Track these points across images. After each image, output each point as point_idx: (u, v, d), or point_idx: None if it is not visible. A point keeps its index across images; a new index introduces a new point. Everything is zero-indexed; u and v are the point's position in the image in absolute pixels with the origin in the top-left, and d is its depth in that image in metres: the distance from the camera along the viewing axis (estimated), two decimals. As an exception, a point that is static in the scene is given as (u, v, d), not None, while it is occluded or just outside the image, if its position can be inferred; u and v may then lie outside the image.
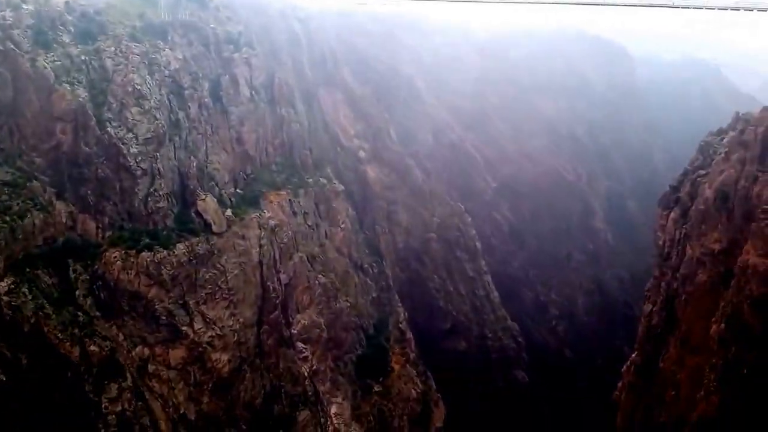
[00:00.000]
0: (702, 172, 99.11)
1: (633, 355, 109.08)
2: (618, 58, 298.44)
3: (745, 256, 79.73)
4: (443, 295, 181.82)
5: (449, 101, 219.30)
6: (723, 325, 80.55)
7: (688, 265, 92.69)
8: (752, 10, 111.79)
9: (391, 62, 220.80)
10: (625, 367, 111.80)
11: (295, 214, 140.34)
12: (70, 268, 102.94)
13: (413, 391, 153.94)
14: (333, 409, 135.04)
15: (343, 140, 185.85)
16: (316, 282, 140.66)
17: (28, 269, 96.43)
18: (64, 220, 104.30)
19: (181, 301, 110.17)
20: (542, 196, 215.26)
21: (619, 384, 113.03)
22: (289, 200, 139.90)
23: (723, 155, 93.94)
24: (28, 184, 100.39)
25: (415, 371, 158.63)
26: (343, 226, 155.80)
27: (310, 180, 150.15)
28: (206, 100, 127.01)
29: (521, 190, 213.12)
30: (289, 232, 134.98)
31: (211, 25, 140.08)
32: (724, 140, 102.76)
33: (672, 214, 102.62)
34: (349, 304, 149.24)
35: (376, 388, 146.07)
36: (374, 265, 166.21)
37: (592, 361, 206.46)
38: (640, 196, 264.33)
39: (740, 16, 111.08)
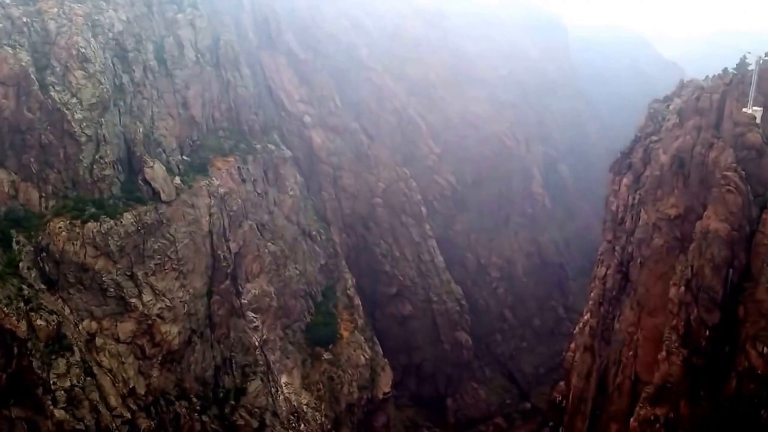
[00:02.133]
0: (654, 138, 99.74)
1: (586, 317, 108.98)
2: (551, 26, 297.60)
3: (705, 221, 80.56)
4: (389, 260, 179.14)
5: (392, 68, 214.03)
6: (683, 288, 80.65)
7: (644, 230, 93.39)
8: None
9: (332, 28, 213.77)
10: (577, 329, 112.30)
11: (244, 181, 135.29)
12: (13, 240, 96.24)
13: (362, 357, 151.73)
14: (283, 379, 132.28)
15: (288, 105, 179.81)
16: (266, 250, 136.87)
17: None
18: (6, 190, 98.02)
19: (129, 273, 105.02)
20: (484, 161, 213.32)
21: (571, 345, 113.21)
22: (238, 167, 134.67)
23: (677, 122, 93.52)
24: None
25: (363, 337, 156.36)
26: (291, 193, 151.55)
27: (258, 146, 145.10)
28: (151, 63, 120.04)
29: (464, 155, 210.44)
30: (239, 200, 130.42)
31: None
32: (671, 107, 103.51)
33: (624, 180, 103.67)
34: (298, 272, 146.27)
35: (325, 356, 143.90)
36: (322, 231, 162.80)
37: (531, 322, 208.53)
38: (572, 161, 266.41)
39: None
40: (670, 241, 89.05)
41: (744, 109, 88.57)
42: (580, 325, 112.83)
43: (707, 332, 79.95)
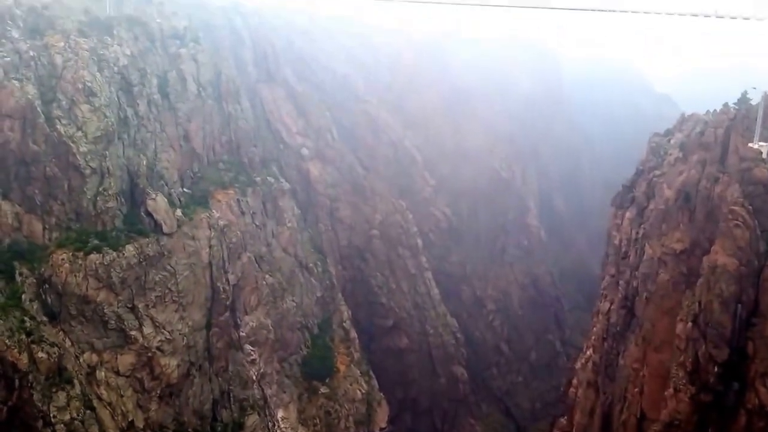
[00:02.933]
0: (657, 172, 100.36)
1: (588, 352, 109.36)
2: (545, 60, 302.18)
3: (713, 256, 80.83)
4: (385, 292, 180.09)
5: (389, 101, 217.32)
6: (690, 323, 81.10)
7: (649, 265, 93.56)
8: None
9: (329, 61, 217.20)
10: (579, 364, 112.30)
11: (243, 213, 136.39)
12: (17, 272, 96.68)
13: (358, 391, 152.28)
14: (280, 413, 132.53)
15: (286, 138, 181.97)
16: (264, 282, 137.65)
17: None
18: (9, 221, 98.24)
19: (130, 305, 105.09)
20: (480, 193, 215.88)
21: (573, 381, 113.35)
22: (237, 199, 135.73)
23: (680, 156, 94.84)
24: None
25: (359, 371, 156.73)
26: (289, 224, 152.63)
27: (258, 178, 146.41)
28: (155, 96, 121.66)
29: (459, 187, 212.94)
30: (238, 232, 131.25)
31: (157, 20, 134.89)
32: (672, 141, 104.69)
33: (628, 214, 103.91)
34: (295, 305, 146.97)
35: (322, 390, 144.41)
36: (318, 263, 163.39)
37: (527, 356, 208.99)
38: (567, 193, 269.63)
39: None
40: (676, 276, 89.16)
41: (750, 144, 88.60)
42: (582, 360, 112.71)
43: (715, 368, 79.40)
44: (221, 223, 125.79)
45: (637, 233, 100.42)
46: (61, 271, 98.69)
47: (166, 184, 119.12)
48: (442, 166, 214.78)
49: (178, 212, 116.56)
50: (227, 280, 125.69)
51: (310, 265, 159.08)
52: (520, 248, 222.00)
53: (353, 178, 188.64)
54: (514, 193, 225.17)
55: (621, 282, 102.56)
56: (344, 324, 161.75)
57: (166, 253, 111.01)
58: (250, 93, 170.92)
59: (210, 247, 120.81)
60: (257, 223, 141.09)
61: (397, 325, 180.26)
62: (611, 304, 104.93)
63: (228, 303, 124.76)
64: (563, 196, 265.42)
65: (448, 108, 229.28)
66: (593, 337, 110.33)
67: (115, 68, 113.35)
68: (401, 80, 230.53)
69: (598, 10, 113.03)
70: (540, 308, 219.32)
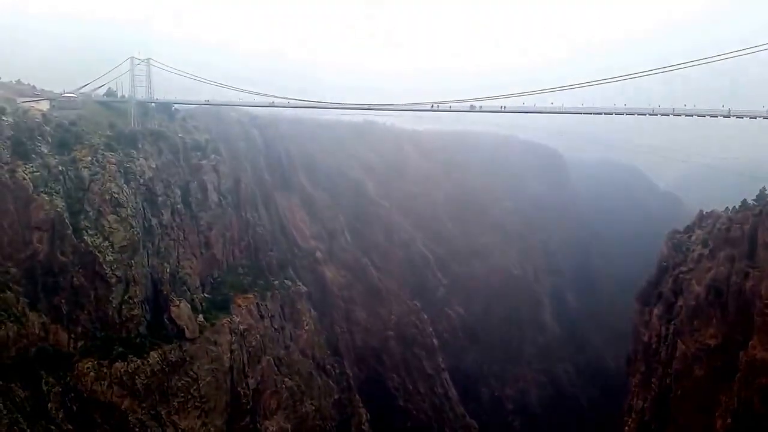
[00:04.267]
0: (683, 268, 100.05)
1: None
2: (551, 159, 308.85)
3: (751, 350, 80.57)
4: (402, 394, 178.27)
5: (399, 203, 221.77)
6: (729, 419, 79.72)
7: (682, 361, 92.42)
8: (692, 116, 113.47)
9: (340, 167, 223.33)
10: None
11: (262, 317, 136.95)
12: (43, 380, 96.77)
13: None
14: None
15: (300, 242, 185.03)
16: (283, 386, 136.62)
17: (1, 382, 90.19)
18: (36, 331, 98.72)
19: (153, 412, 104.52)
20: (492, 291, 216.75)
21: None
22: (257, 303, 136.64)
23: (705, 252, 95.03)
24: (1, 295, 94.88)
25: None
26: (306, 327, 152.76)
27: (276, 282, 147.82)
28: (178, 206, 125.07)
29: (472, 286, 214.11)
30: (257, 335, 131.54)
31: (179, 135, 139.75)
32: (693, 237, 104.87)
33: (656, 310, 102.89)
34: (313, 408, 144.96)
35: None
36: (335, 365, 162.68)
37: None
38: (578, 289, 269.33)
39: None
40: (711, 371, 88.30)
41: None
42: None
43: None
44: (242, 327, 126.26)
45: (667, 329, 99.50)
46: (87, 380, 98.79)
47: (189, 290, 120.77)
48: (454, 265, 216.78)
49: (200, 318, 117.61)
50: (247, 384, 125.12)
51: (328, 367, 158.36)
52: (535, 346, 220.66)
53: (367, 279, 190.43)
54: (526, 291, 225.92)
55: (653, 379, 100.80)
56: (363, 427, 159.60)
57: (188, 358, 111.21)
58: (266, 199, 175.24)
59: (231, 351, 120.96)
60: (276, 327, 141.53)
61: (415, 428, 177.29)
62: (644, 402, 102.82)
63: (249, 407, 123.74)
64: (575, 293, 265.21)
65: (457, 208, 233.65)
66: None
67: (141, 180, 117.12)
68: (411, 183, 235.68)
69: (605, 113, 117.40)
70: (559, 407, 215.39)
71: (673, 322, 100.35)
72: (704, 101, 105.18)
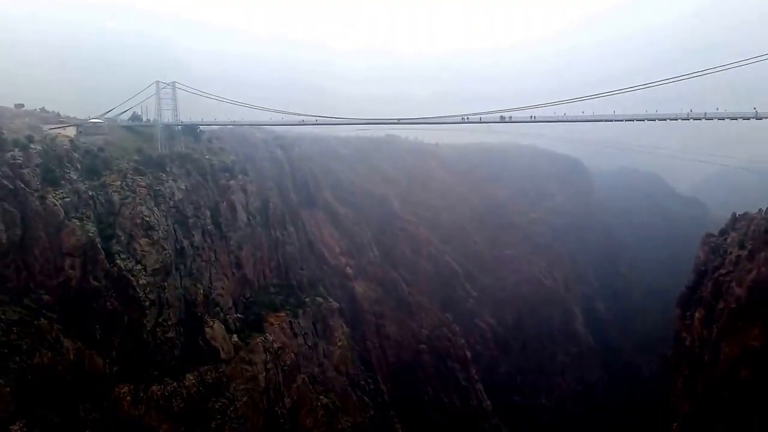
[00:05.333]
0: (723, 271, 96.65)
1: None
2: (575, 170, 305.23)
3: None
4: (437, 407, 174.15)
5: (425, 217, 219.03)
6: None
7: (726, 363, 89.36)
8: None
9: (366, 184, 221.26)
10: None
11: (295, 335, 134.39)
12: (80, 408, 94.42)
13: None
14: None
15: (330, 258, 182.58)
16: (318, 403, 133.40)
17: (38, 410, 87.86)
18: (71, 357, 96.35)
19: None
20: (523, 302, 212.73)
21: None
22: (290, 321, 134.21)
23: (744, 254, 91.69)
24: (35, 322, 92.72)
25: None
26: (339, 343, 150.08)
27: (307, 299, 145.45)
28: (209, 227, 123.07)
29: (502, 297, 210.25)
30: (291, 354, 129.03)
31: (206, 156, 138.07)
32: (728, 240, 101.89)
33: (697, 314, 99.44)
34: (349, 424, 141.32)
35: None
36: (370, 381, 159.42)
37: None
38: (606, 297, 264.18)
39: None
40: (756, 373, 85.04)
41: None
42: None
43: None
44: (275, 346, 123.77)
45: (710, 333, 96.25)
46: (124, 404, 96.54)
47: (222, 311, 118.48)
48: (483, 277, 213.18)
49: (234, 338, 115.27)
50: (284, 403, 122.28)
51: (362, 382, 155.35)
52: (569, 355, 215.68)
53: (397, 293, 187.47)
54: (557, 300, 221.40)
55: (698, 383, 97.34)
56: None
57: (224, 379, 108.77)
58: (293, 217, 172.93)
59: (266, 370, 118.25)
60: (309, 344, 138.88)
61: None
62: (689, 405, 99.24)
63: (285, 427, 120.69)
64: (604, 301, 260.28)
65: (483, 220, 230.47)
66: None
67: (171, 202, 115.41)
68: (435, 197, 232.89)
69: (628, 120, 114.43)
70: (594, 414, 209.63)
71: (715, 326, 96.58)
72: (721, 103, 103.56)
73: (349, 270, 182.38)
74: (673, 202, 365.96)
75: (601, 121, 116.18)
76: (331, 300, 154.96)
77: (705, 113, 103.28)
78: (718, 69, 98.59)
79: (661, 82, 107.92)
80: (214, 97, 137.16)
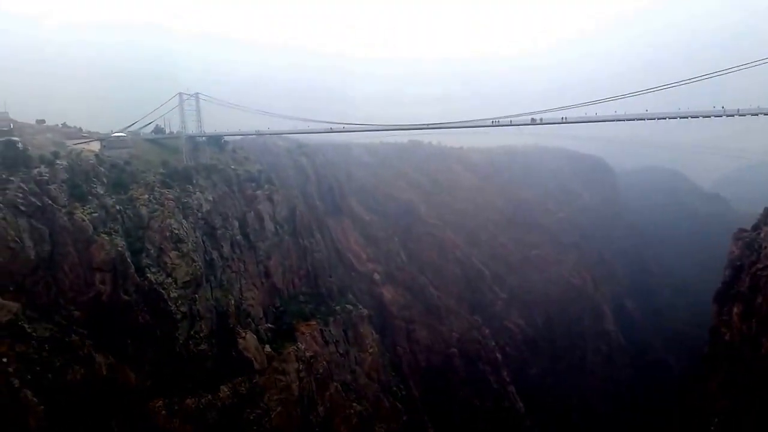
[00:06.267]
0: (759, 266, 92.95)
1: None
2: (599, 168, 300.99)
3: None
4: (470, 410, 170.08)
5: (451, 221, 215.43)
6: None
7: None
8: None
9: (390, 189, 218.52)
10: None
11: (327, 343, 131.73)
12: (112, 422, 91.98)
13: None
14: None
15: (357, 265, 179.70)
16: (352, 411, 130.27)
17: (71, 427, 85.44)
18: (104, 373, 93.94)
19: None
20: (552, 302, 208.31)
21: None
22: (320, 330, 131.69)
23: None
24: (66, 339, 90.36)
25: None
26: (370, 350, 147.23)
27: (337, 307, 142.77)
28: (237, 237, 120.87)
29: (530, 298, 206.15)
30: (324, 362, 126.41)
31: (232, 167, 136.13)
32: (762, 234, 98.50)
33: (735, 310, 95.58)
34: (383, 430, 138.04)
35: None
36: (401, 387, 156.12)
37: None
38: (635, 296, 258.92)
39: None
40: None
41: None
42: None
43: None
44: (308, 354, 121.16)
45: (749, 328, 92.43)
46: (158, 419, 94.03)
47: (253, 321, 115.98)
48: (510, 279, 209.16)
49: (267, 348, 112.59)
50: (317, 412, 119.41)
51: (394, 389, 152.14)
52: (599, 355, 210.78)
53: (426, 298, 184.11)
54: (587, 300, 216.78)
55: (739, 378, 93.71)
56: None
57: (258, 390, 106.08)
58: (319, 225, 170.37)
59: (300, 379, 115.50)
60: (341, 352, 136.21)
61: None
62: (731, 401, 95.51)
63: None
64: (633, 299, 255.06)
65: (509, 222, 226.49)
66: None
67: (199, 214, 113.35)
68: (461, 200, 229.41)
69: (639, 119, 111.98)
70: (625, 413, 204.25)
71: (754, 320, 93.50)
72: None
73: (376, 276, 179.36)
74: (695, 198, 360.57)
75: (634, 120, 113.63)
76: (360, 307, 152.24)
77: (738, 110, 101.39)
78: (743, 67, 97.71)
79: (687, 81, 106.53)
80: (238, 107, 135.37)
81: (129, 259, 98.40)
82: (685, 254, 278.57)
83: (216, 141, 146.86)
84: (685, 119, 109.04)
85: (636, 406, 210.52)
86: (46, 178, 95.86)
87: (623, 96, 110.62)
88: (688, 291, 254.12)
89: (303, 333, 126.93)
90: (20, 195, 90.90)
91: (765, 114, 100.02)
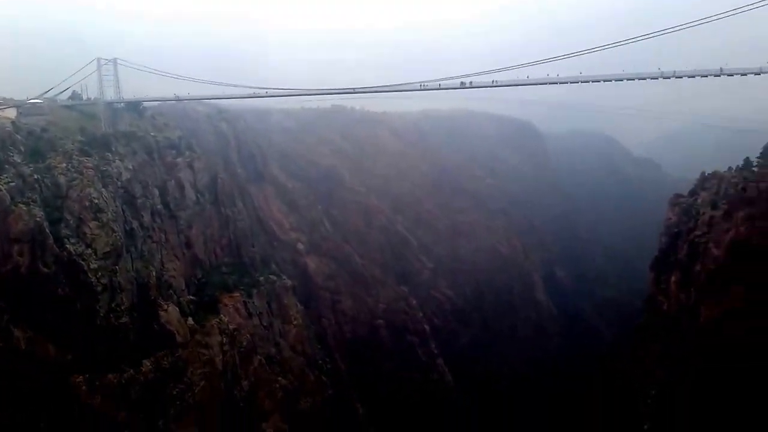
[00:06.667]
0: (698, 233, 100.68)
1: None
2: (528, 134, 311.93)
3: None
4: (397, 383, 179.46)
5: (376, 186, 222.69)
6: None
7: (707, 326, 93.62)
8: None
9: (313, 155, 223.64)
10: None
11: (250, 315, 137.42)
12: (32, 398, 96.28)
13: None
14: None
15: (280, 234, 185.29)
16: (277, 385, 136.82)
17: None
18: (23, 347, 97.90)
19: (150, 423, 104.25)
20: (481, 271, 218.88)
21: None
22: (244, 302, 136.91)
23: (719, 214, 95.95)
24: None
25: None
26: (295, 323, 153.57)
27: (261, 278, 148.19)
28: (158, 207, 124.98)
29: (459, 267, 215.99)
30: (247, 335, 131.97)
31: (152, 134, 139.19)
32: (699, 200, 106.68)
33: (673, 278, 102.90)
34: (309, 405, 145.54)
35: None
36: (327, 360, 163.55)
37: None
38: (566, 262, 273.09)
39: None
40: (739, 334, 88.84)
41: None
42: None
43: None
44: (231, 327, 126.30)
45: (688, 296, 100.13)
46: (79, 394, 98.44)
47: (175, 293, 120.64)
48: (438, 247, 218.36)
49: (190, 321, 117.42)
50: (242, 386, 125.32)
51: (319, 362, 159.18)
52: (529, 323, 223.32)
53: (351, 267, 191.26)
54: (516, 268, 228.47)
55: (676, 347, 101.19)
56: (360, 420, 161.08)
57: (181, 364, 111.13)
58: (241, 193, 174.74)
59: (223, 353, 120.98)
60: (265, 324, 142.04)
61: (412, 417, 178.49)
62: (666, 371, 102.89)
63: (244, 410, 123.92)
64: (563, 266, 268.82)
65: (436, 189, 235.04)
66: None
67: (119, 183, 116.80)
68: (385, 166, 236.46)
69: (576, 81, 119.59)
70: (556, 382, 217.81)
71: (692, 288, 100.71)
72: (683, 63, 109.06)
73: (300, 245, 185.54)
74: (626, 163, 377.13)
75: (566, 83, 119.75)
76: (284, 277, 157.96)
77: (674, 72, 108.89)
78: (684, 26, 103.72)
79: (627, 41, 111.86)
80: (157, 72, 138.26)
81: (47, 230, 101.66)
82: (616, 220, 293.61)
83: (135, 107, 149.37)
84: (620, 81, 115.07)
85: (559, 372, 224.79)
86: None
87: (555, 58, 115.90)
88: (619, 258, 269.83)
89: (226, 305, 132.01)
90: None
91: (702, 76, 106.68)
